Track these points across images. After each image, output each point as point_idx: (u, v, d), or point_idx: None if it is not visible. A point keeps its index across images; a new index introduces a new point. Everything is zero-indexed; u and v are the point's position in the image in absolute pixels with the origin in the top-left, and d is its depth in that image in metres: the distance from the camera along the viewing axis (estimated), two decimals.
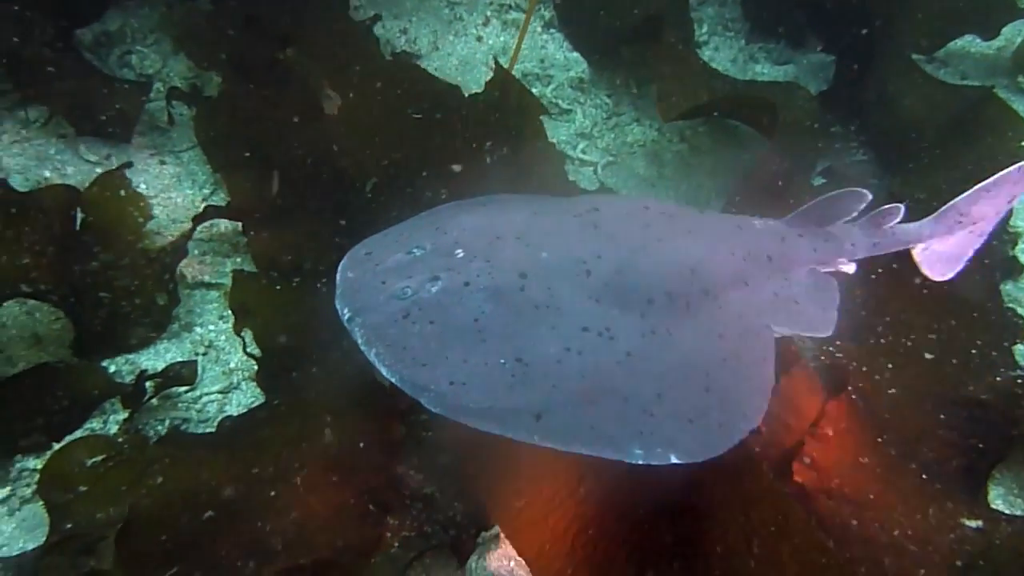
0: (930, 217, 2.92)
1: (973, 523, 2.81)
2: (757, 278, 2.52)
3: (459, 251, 2.23)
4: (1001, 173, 2.77)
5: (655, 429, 1.93)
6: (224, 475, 2.72)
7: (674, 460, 1.90)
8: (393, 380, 1.98)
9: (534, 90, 4.95)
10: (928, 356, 3.36)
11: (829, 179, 4.50)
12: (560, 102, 4.86)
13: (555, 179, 3.98)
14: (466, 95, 3.99)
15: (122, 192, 3.61)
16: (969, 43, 5.08)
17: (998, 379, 3.32)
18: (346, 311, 2.14)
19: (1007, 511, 3.09)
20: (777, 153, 3.93)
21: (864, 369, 3.30)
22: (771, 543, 2.34)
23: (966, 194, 2.86)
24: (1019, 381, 3.25)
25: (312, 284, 3.43)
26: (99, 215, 3.52)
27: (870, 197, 2.69)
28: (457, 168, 3.77)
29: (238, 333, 3.28)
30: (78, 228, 3.46)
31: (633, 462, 1.87)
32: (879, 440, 3.03)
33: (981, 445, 3.07)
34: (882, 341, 3.40)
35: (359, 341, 2.07)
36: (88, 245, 3.41)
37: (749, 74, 5.10)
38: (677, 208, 2.66)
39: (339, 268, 2.38)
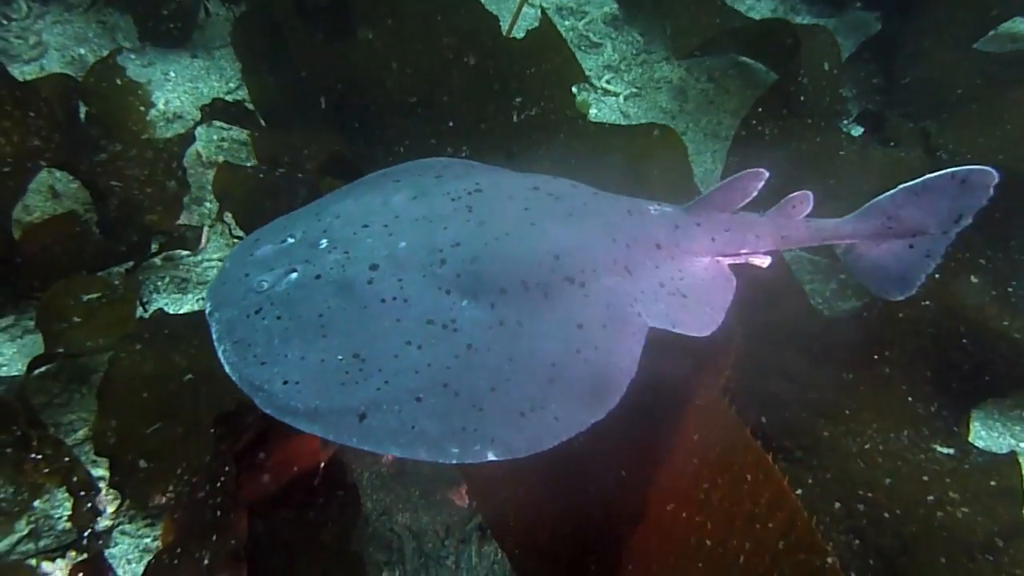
0: (852, 214, 2.64)
1: (946, 449, 2.75)
2: (642, 267, 2.37)
3: (323, 241, 2.19)
4: (927, 176, 2.50)
5: (479, 425, 1.86)
6: (204, 346, 2.71)
7: (491, 457, 1.82)
8: (233, 379, 1.93)
9: (566, 23, 4.95)
10: (974, 279, 3.22)
11: (866, 124, 4.38)
12: (591, 35, 4.84)
13: (579, 151, 3.77)
14: (504, 34, 3.80)
15: (118, 81, 3.63)
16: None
17: None
18: (208, 305, 2.08)
19: (982, 442, 3.06)
20: (786, 92, 3.83)
21: None
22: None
23: (889, 193, 2.57)
24: None
25: (293, 176, 3.41)
26: (100, 106, 3.55)
27: (766, 175, 2.44)
28: (484, 127, 3.72)
29: (221, 217, 3.35)
30: (83, 120, 3.46)
31: (448, 462, 1.81)
32: (875, 357, 2.96)
33: (988, 378, 2.98)
34: None
35: (213, 337, 2.02)
36: (95, 138, 3.44)
37: None
38: (569, 188, 2.51)
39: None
